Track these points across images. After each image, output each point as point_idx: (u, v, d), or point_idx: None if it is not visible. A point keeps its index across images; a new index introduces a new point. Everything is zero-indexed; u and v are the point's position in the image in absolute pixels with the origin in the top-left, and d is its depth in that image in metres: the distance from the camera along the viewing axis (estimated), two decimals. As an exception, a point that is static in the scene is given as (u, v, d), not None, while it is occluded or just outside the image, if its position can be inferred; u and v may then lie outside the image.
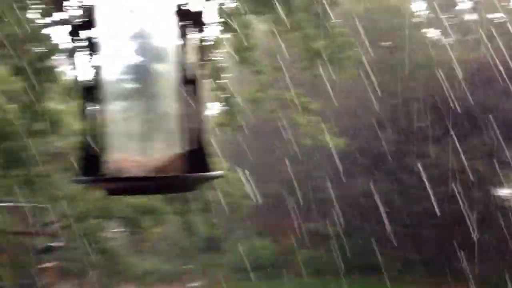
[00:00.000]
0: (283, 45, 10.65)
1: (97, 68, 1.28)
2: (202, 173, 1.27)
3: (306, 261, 20.79)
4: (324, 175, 19.79)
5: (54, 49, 7.85)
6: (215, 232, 14.72)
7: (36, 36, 7.90)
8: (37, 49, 8.18)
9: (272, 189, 20.20)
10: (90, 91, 1.28)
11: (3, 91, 8.90)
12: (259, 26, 11.68)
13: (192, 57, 1.27)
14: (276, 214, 20.92)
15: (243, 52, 9.18)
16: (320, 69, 10.07)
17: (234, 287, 19.61)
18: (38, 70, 8.02)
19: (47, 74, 8.18)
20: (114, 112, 1.29)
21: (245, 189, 14.35)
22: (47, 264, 14.61)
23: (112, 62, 1.29)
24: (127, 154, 1.26)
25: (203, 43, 1.30)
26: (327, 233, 19.75)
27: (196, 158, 1.26)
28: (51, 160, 10.37)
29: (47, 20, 7.83)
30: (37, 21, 8.20)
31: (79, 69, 1.30)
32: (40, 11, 7.92)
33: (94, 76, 1.28)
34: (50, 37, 7.97)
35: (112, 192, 1.38)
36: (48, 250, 14.21)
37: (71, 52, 1.30)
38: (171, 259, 21.14)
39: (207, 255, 20.71)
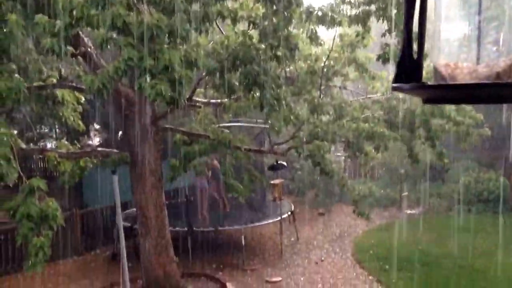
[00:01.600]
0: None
1: None
2: None
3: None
4: None
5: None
6: (440, 161, 14.11)
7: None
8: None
9: (506, 120, 18.60)
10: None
11: (247, 17, 9.29)
12: None
13: None
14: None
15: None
16: None
17: (454, 218, 19.02)
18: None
19: (290, 0, 8.31)
20: (441, 15, 1.19)
21: (476, 117, 13.42)
22: (275, 181, 15.59)
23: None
24: (456, 60, 1.16)
25: None
26: None
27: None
28: (285, 84, 10.71)
29: None
30: None
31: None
32: None
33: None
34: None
35: (436, 100, 1.29)
36: (276, 168, 15.10)
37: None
38: (390, 185, 21.17)
39: (428, 183, 20.22)
